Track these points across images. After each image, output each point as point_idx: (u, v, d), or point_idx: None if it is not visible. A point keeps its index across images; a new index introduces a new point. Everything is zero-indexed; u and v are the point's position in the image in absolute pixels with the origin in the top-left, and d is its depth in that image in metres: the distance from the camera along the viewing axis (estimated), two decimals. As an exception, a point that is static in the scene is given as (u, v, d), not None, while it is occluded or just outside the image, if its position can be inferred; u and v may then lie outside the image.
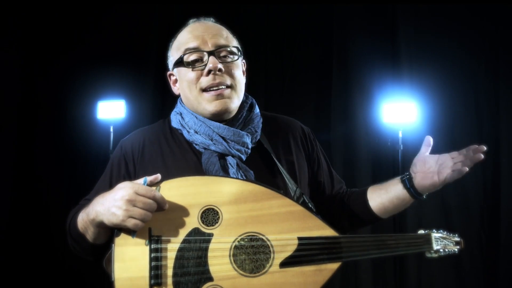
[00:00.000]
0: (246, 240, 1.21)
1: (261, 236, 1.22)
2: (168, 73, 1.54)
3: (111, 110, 4.13)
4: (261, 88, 4.26)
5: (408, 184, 1.46)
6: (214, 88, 1.42)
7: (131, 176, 1.41)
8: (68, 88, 4.35)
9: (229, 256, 1.20)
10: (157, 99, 4.39)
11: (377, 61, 4.17)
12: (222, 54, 1.45)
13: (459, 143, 4.34)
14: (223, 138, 1.41)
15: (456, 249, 1.40)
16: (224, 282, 1.18)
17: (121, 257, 1.16)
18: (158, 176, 1.22)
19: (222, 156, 1.39)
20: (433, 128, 4.02)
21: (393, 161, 4.00)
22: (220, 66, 1.42)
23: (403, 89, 4.05)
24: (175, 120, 1.50)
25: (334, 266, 1.23)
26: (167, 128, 1.51)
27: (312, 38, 4.37)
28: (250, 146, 1.44)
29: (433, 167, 1.43)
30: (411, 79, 4.11)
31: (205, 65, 1.42)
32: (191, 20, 1.53)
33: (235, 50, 1.47)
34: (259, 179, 1.34)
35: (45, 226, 4.16)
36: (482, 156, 1.41)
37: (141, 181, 1.21)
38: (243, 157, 1.42)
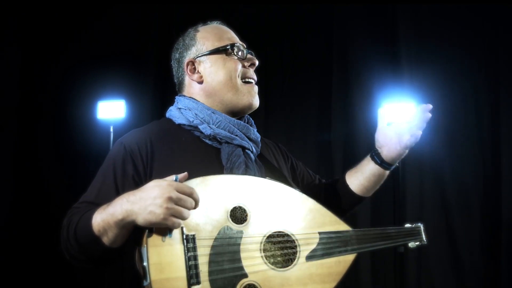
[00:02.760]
0: (274, 236, 1.27)
1: (287, 232, 1.29)
2: (188, 60, 1.53)
3: (111, 110, 4.13)
4: (261, 88, 4.25)
5: (378, 160, 1.61)
6: (251, 81, 1.53)
7: (140, 175, 1.36)
8: (68, 88, 4.35)
9: (260, 252, 1.24)
10: (157, 99, 4.40)
11: (377, 61, 4.18)
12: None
13: (459, 143, 4.37)
14: (243, 134, 1.47)
15: (425, 241, 1.53)
16: (258, 278, 1.21)
17: (156, 258, 1.13)
18: (186, 174, 1.20)
19: (243, 150, 1.44)
20: (432, 128, 4.02)
21: (393, 161, 3.99)
22: (257, 63, 1.55)
23: (403, 89, 4.05)
24: (182, 116, 1.48)
25: (351, 257, 1.35)
26: (169, 127, 1.49)
27: (312, 38, 4.38)
28: (260, 146, 1.53)
29: (393, 138, 1.59)
30: (411, 79, 4.11)
31: (244, 58, 1.52)
32: (217, 22, 1.60)
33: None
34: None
35: (46, 226, 4.15)
36: (430, 114, 1.53)
37: (172, 178, 1.18)
38: (255, 154, 1.49)
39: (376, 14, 4.28)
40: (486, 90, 4.02)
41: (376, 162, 1.61)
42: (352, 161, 4.26)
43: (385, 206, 4.06)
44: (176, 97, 1.56)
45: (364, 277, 4.02)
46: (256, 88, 1.53)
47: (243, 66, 1.52)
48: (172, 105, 1.56)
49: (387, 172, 1.62)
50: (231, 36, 1.55)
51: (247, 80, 1.51)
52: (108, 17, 4.38)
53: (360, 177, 1.67)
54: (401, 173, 3.93)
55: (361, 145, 4.18)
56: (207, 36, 1.53)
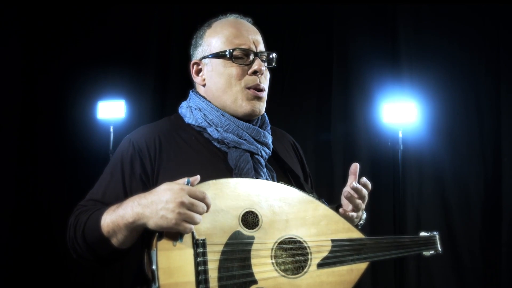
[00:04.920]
0: (285, 242, 1.24)
1: (299, 239, 1.26)
2: (194, 61, 1.48)
3: (111, 110, 4.13)
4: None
5: None
6: (257, 88, 1.43)
7: (148, 174, 1.33)
8: (68, 88, 4.35)
9: (271, 258, 1.22)
10: (157, 99, 4.39)
11: (377, 61, 4.17)
12: (264, 58, 1.46)
13: (459, 143, 4.36)
14: (252, 138, 1.41)
15: (440, 250, 1.48)
16: (268, 284, 1.19)
17: (165, 262, 1.11)
18: (198, 177, 1.18)
19: (252, 155, 1.39)
20: (433, 128, 4.02)
21: (393, 161, 4.00)
22: (264, 69, 1.44)
23: (403, 89, 4.05)
24: (192, 116, 1.44)
25: (363, 266, 1.32)
26: (179, 125, 1.45)
27: (312, 38, 4.37)
28: (271, 148, 1.47)
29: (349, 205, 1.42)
30: (411, 79, 4.11)
31: (249, 64, 1.42)
32: (232, 15, 1.51)
33: (274, 57, 1.49)
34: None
35: (46, 226, 4.16)
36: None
37: (183, 181, 1.16)
38: (266, 158, 1.44)
39: (376, 14, 4.28)
40: (487, 90, 4.02)
41: None
42: (352, 161, 4.28)
43: (385, 206, 4.06)
44: (190, 92, 1.52)
45: (365, 277, 4.01)
46: (261, 94, 1.43)
47: (248, 74, 1.41)
48: (185, 99, 1.52)
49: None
50: (241, 36, 1.43)
51: (249, 88, 1.42)
52: (108, 17, 4.37)
53: None
54: (401, 173, 3.93)
55: (361, 145, 4.18)
56: (214, 36, 1.44)
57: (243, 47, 1.42)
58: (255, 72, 1.41)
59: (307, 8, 4.30)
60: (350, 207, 1.39)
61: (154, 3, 4.42)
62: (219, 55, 1.42)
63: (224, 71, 1.42)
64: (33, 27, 4.37)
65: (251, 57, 1.42)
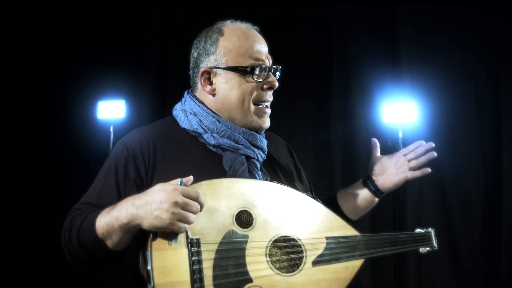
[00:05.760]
0: (280, 240, 1.25)
1: (293, 237, 1.27)
2: (204, 69, 1.44)
3: (111, 110, 4.12)
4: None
5: (373, 187, 1.57)
6: (265, 104, 1.45)
7: (142, 178, 1.33)
8: (68, 88, 4.35)
9: (265, 256, 1.23)
10: (157, 99, 4.39)
11: (377, 61, 4.17)
12: (277, 74, 1.48)
13: (459, 143, 4.35)
14: (249, 142, 1.42)
15: (436, 247, 1.51)
16: (263, 282, 1.20)
17: (160, 262, 1.12)
18: (191, 177, 1.19)
19: (248, 158, 1.41)
20: (433, 128, 4.02)
21: (393, 161, 3.98)
22: (276, 84, 1.46)
23: (403, 89, 4.05)
24: (187, 120, 1.44)
25: (358, 263, 1.33)
26: (173, 128, 1.45)
27: (312, 38, 4.37)
28: (266, 152, 1.48)
29: (391, 168, 1.56)
30: (411, 79, 4.11)
31: (264, 79, 1.42)
32: (243, 24, 1.48)
33: (280, 70, 1.49)
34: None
35: (46, 226, 4.15)
36: (435, 153, 1.54)
37: (177, 182, 1.17)
38: (261, 162, 1.45)
39: (376, 14, 4.28)
40: (487, 89, 4.02)
41: (370, 190, 1.59)
42: (352, 161, 4.27)
43: (385, 206, 4.05)
44: (185, 93, 1.50)
45: (364, 277, 4.02)
46: (268, 110, 1.46)
47: (261, 89, 1.42)
48: (180, 100, 1.51)
49: (377, 199, 1.62)
50: (257, 51, 1.42)
51: (260, 103, 1.44)
52: (108, 17, 4.37)
53: (352, 201, 1.62)
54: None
55: (361, 145, 4.18)
56: (229, 47, 1.41)
57: (264, 65, 1.42)
58: (270, 88, 1.44)
59: (307, 8, 4.30)
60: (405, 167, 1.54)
61: (154, 3, 4.41)
62: (238, 69, 1.40)
63: (240, 86, 1.41)
64: (33, 27, 4.37)
65: (266, 73, 1.42)
